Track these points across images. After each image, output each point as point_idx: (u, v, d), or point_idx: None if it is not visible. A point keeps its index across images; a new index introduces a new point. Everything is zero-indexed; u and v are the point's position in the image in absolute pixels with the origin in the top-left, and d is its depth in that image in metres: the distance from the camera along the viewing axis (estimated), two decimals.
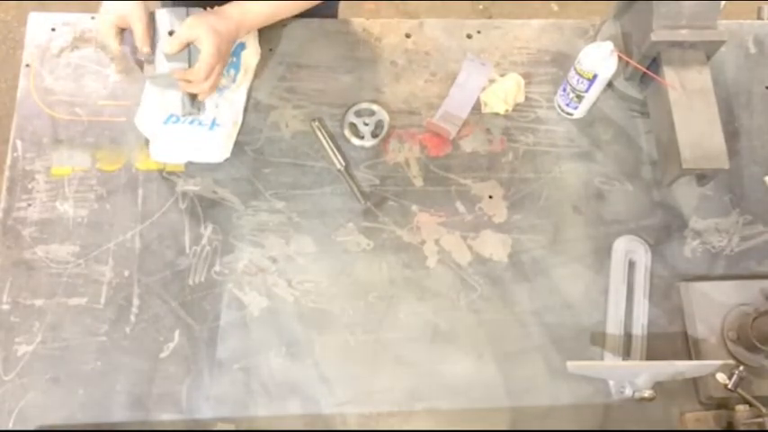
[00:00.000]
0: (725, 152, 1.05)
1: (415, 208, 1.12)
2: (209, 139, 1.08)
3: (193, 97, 1.08)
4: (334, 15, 1.39)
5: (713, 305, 1.07)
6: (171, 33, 1.01)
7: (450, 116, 1.17)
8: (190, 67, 1.01)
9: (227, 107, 1.12)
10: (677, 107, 1.07)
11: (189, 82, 1.02)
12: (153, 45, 1.01)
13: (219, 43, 0.99)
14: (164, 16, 1.03)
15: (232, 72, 1.14)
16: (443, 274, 1.08)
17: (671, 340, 1.07)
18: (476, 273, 1.09)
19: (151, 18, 1.01)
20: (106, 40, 1.01)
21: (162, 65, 1.02)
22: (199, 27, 0.99)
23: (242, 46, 1.15)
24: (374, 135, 1.15)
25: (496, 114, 1.18)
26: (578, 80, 1.10)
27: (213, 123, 1.09)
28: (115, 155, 1.11)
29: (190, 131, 1.08)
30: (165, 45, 1.00)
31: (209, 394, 1.00)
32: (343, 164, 1.12)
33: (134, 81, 1.15)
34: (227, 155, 1.11)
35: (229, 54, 1.05)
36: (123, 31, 1.01)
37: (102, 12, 1.00)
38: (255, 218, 1.09)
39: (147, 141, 1.10)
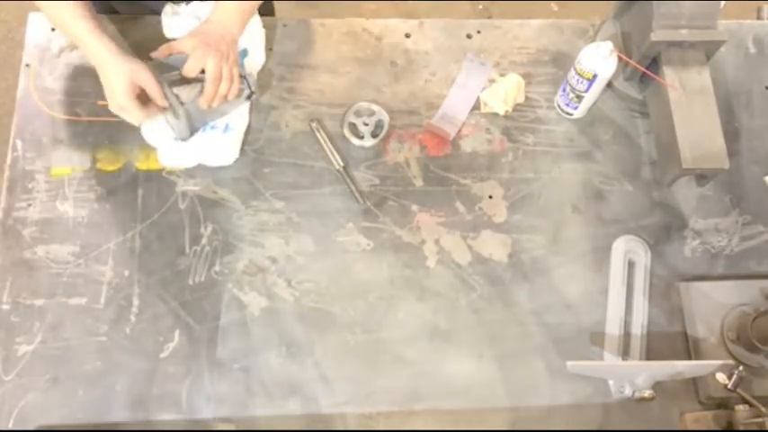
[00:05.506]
0: (725, 152, 1.05)
1: (414, 208, 1.12)
2: (222, 142, 1.10)
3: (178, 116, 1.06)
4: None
5: (713, 305, 1.07)
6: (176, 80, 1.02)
7: (449, 117, 1.17)
8: (176, 115, 1.03)
9: (236, 112, 1.12)
10: (677, 107, 1.07)
11: (223, 95, 1.03)
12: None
13: (204, 39, 1.00)
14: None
15: None
16: (443, 274, 1.08)
17: (670, 340, 1.07)
18: (476, 273, 1.09)
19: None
20: (131, 111, 0.99)
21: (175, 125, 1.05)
22: (184, 43, 1.01)
23: (245, 53, 1.16)
24: (374, 135, 1.15)
25: (496, 114, 1.18)
26: (578, 80, 1.10)
27: (227, 127, 1.10)
28: (115, 155, 1.11)
29: (203, 137, 1.09)
30: (186, 70, 1.01)
31: (210, 394, 1.00)
32: (342, 164, 1.12)
33: None
34: (237, 156, 1.12)
35: (228, 45, 1.04)
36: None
37: (111, 89, 0.98)
38: (255, 218, 1.09)
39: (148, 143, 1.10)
